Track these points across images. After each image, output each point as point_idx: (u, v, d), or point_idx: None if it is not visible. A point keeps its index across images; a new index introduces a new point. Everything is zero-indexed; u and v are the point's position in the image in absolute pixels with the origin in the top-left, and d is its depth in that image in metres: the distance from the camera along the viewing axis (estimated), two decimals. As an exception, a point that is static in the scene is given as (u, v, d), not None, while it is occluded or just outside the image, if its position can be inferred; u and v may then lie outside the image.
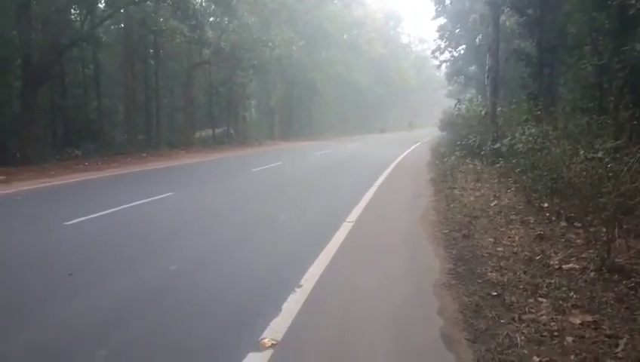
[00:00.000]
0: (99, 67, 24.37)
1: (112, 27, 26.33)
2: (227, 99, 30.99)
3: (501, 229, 6.63)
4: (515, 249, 5.63)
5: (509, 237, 6.20)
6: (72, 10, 21.36)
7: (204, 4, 28.39)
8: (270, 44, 30.45)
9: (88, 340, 3.59)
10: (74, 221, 7.46)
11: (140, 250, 6.13)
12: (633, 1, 7.47)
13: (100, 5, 22.23)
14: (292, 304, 4.11)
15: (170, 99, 31.03)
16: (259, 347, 3.34)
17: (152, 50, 27.44)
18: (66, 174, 14.15)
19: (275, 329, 3.62)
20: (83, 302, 4.31)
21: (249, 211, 8.87)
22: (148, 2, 22.21)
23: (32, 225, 7.61)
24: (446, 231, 6.76)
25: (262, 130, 40.97)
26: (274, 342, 3.40)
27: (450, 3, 31.09)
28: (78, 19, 21.80)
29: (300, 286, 4.53)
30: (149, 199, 9.50)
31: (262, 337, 3.47)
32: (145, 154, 20.66)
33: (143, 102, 26.56)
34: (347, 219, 7.61)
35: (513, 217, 7.28)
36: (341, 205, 8.90)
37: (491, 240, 6.08)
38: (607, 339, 3.40)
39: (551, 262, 5.05)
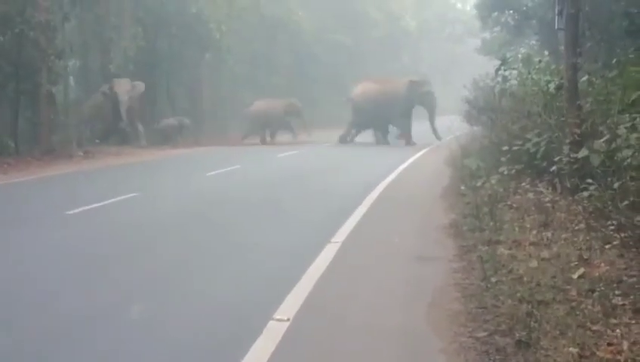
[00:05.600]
0: None
1: None
2: (15, 61, 20.47)
3: (594, 328, 5.23)
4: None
5: (610, 344, 5.00)
6: None
7: None
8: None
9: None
10: None
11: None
12: None
13: None
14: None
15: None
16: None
17: None
18: None
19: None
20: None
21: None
22: None
23: None
24: (483, 333, 5.12)
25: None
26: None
27: None
28: None
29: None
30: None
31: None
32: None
33: None
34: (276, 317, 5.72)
35: (618, 301, 5.77)
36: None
37: (575, 350, 4.76)
38: None
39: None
